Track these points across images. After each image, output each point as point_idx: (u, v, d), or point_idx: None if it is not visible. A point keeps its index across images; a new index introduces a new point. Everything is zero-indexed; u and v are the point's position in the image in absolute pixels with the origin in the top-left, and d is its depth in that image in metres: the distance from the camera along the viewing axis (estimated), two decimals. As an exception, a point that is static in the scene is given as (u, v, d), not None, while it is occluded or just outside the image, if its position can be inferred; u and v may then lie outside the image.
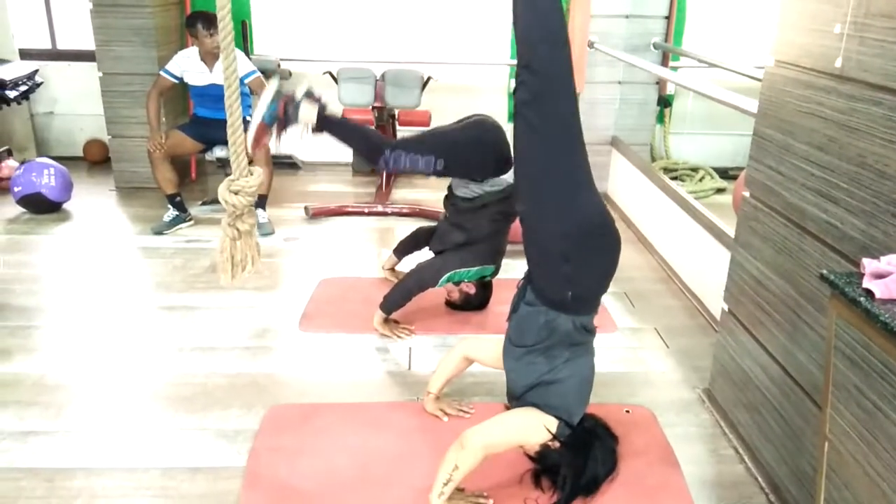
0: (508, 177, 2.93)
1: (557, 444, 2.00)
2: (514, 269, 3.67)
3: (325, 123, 2.77)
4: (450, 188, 3.11)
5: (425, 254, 3.25)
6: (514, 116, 2.00)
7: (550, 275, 2.00)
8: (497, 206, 2.95)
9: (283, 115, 2.69)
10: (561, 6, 1.94)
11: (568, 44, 1.96)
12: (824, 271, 1.46)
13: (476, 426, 1.99)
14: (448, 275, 2.95)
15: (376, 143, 2.85)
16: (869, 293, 1.33)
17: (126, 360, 2.81)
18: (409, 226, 3.74)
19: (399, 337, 2.99)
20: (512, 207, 2.96)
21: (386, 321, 3.02)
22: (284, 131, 2.73)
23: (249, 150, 2.41)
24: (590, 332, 2.09)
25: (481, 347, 2.36)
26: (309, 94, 2.73)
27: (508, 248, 3.89)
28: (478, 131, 2.89)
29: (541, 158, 1.99)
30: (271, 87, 2.65)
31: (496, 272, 3.14)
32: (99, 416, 2.46)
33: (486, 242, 2.99)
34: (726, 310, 2.49)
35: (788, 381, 2.07)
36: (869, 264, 1.38)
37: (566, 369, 2.02)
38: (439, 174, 2.84)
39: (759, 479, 2.22)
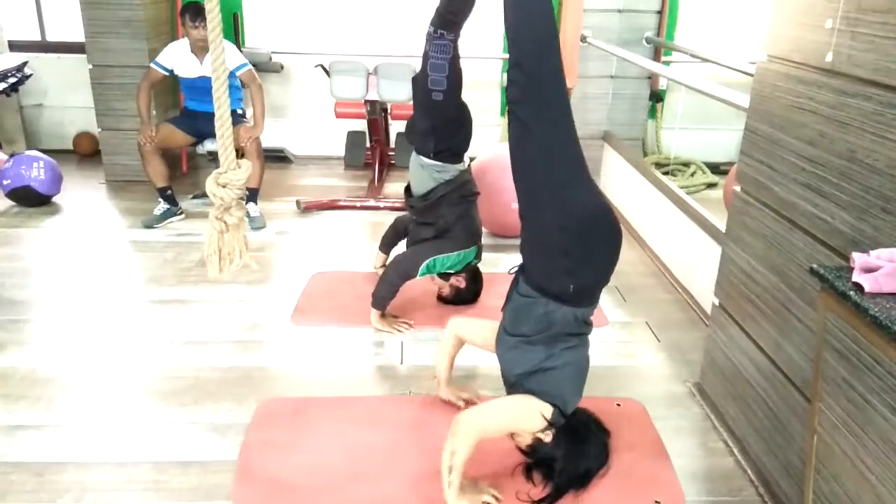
0: (460, 165, 3.01)
1: (549, 437, 2.00)
2: (504, 263, 3.68)
3: None
4: (406, 189, 3.15)
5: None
6: (508, 114, 2.00)
7: (551, 269, 2.00)
8: (453, 193, 2.99)
9: None
10: (551, 7, 1.95)
11: (557, 44, 1.97)
12: (814, 265, 1.46)
13: (468, 409, 1.99)
14: (427, 262, 2.95)
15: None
16: (858, 287, 1.33)
17: (117, 354, 2.80)
18: (401, 220, 3.73)
19: (399, 331, 2.99)
20: (468, 189, 3.05)
21: (383, 317, 3.02)
22: None
23: None
24: (588, 324, 2.10)
25: (470, 327, 2.38)
26: None
27: (501, 242, 3.92)
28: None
29: (534, 155, 1.99)
30: None
31: (479, 255, 3.14)
32: (89, 409, 2.45)
33: (456, 228, 3.01)
34: (717, 304, 2.50)
35: (778, 374, 2.08)
36: (858, 258, 1.38)
37: (563, 357, 2.03)
38: (424, 97, 2.91)
39: (749, 471, 2.24)
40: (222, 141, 1.84)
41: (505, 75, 5.33)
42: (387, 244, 3.48)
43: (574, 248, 1.96)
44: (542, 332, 2.02)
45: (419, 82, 2.90)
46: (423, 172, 2.99)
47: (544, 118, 1.95)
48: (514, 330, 2.09)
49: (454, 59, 2.82)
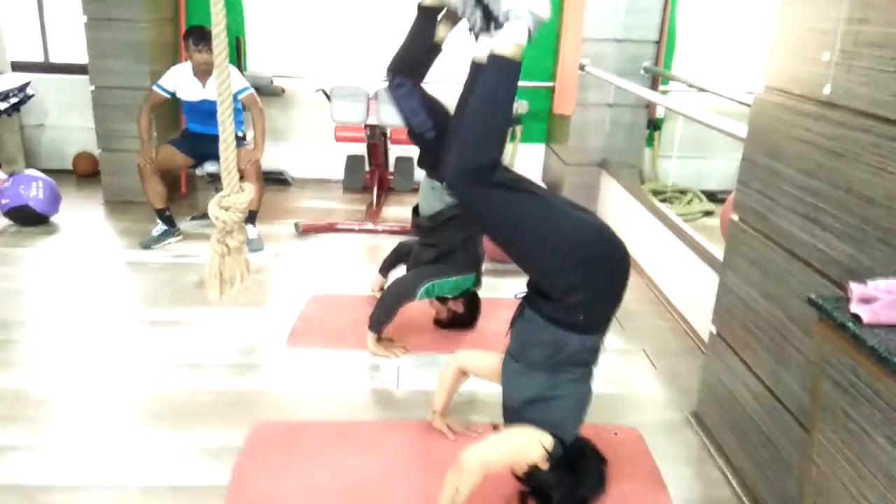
0: None
1: (546, 465, 1.98)
2: (505, 288, 3.68)
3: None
4: (414, 210, 3.13)
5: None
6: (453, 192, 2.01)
7: (560, 304, 1.96)
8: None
9: None
10: (512, 112, 1.95)
11: (504, 142, 1.99)
12: (812, 295, 1.47)
13: (472, 446, 1.97)
14: (426, 286, 2.95)
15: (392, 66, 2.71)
16: (856, 318, 1.33)
17: (110, 376, 2.78)
18: (399, 244, 3.73)
19: (395, 355, 2.98)
20: None
21: (379, 341, 3.01)
22: None
23: None
24: (595, 353, 2.07)
25: (476, 359, 2.36)
26: None
27: (499, 267, 3.92)
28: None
29: (493, 222, 2.01)
30: None
31: (478, 282, 3.13)
32: (81, 432, 2.43)
33: (458, 253, 3.00)
34: (714, 332, 2.50)
35: (776, 403, 2.07)
36: (856, 289, 1.38)
37: (567, 387, 2.01)
38: (420, 140, 2.81)
39: (746, 501, 2.21)
40: (226, 164, 1.85)
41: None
42: (386, 267, 3.48)
43: (578, 282, 1.93)
44: (549, 358, 2.00)
45: (410, 131, 2.86)
46: (433, 194, 2.97)
47: (485, 192, 1.93)
48: (520, 356, 2.07)
49: (424, 98, 2.72)
